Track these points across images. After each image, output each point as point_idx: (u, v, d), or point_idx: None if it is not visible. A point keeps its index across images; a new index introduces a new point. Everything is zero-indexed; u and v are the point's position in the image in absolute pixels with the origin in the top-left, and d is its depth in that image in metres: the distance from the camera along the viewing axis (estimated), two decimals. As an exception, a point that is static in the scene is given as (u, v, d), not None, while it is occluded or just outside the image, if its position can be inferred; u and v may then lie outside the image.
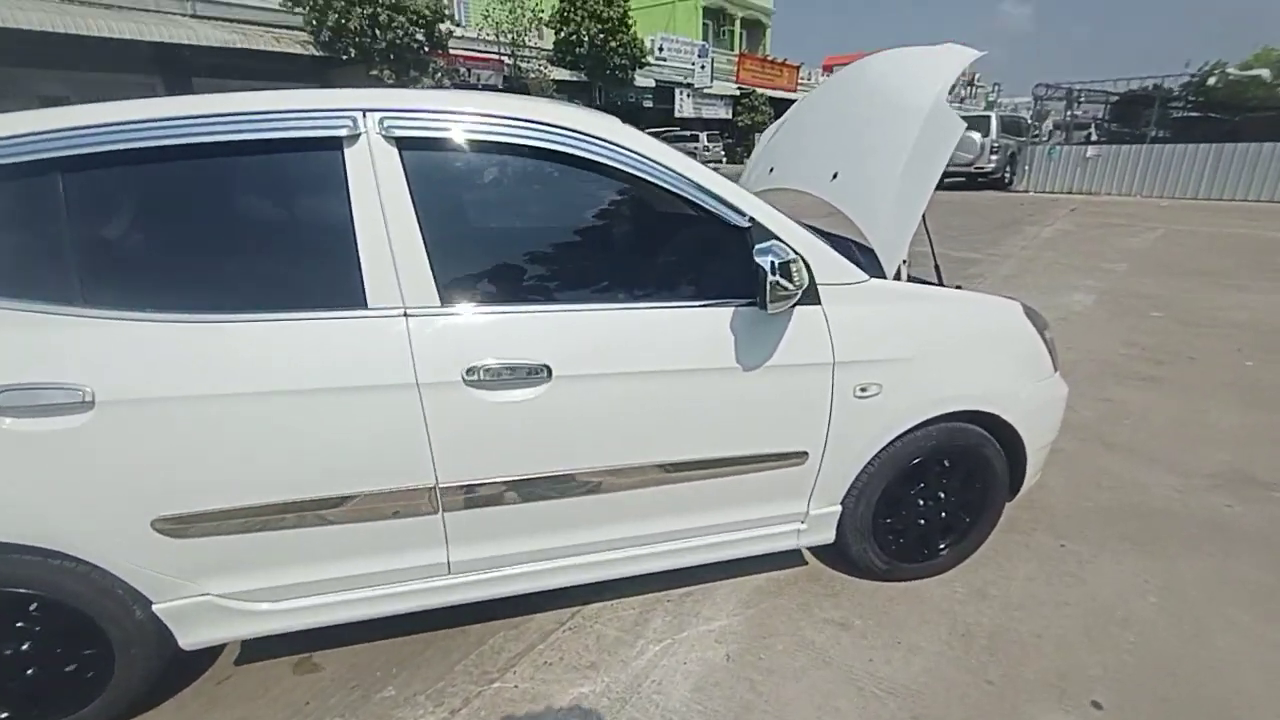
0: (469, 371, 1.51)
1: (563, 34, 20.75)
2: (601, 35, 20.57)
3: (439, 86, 16.14)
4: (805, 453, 1.84)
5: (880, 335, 1.81)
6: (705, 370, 1.67)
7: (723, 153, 27.71)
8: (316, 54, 15.03)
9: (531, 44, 19.51)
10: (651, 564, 1.88)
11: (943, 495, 2.07)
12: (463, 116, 1.53)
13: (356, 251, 1.47)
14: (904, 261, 1.89)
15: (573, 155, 1.58)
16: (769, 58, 32.70)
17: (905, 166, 1.90)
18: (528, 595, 1.83)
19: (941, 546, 2.15)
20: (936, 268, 2.53)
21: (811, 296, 1.72)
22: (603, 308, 1.63)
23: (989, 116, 16.11)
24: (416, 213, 1.50)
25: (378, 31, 14.53)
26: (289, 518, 1.54)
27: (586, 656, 1.87)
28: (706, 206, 1.66)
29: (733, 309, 1.67)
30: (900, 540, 2.09)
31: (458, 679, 1.80)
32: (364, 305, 1.48)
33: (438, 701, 1.73)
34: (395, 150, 1.49)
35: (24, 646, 1.52)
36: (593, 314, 1.62)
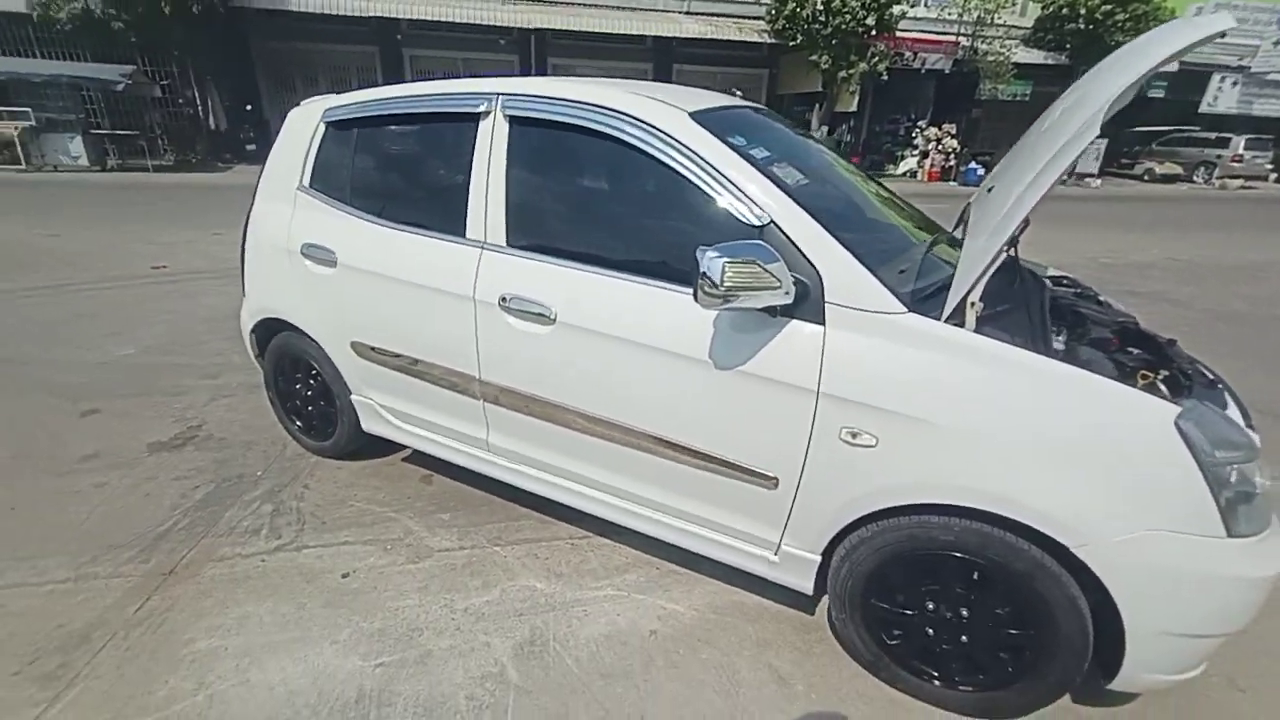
0: (503, 298, 1.96)
1: (1051, 8, 17.51)
2: (1106, 6, 16.59)
3: (873, 72, 15.85)
4: (775, 478, 1.69)
5: (890, 380, 1.50)
6: (681, 356, 1.71)
7: (1270, 166, 19.58)
8: (769, 40, 16.53)
9: (1004, 23, 17.09)
10: (629, 520, 2.04)
11: (965, 614, 1.58)
12: (549, 100, 1.91)
13: (467, 197, 2.05)
14: (972, 304, 1.47)
15: (617, 139, 1.80)
16: None
17: (1027, 186, 1.47)
18: (568, 506, 2.17)
19: (960, 681, 1.65)
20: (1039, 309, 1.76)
21: (813, 314, 1.56)
22: (611, 275, 1.82)
23: None
24: (507, 174, 1.99)
25: (828, 17, 15.03)
26: (407, 366, 2.30)
27: (561, 569, 2.19)
28: (723, 200, 1.66)
29: None
30: (898, 637, 1.70)
31: (480, 531, 2.36)
32: (463, 235, 2.07)
33: (460, 537, 2.33)
34: (507, 126, 1.99)
35: (298, 387, 2.72)
36: (601, 279, 1.83)
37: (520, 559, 2.23)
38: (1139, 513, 1.34)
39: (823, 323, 1.56)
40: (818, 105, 17.66)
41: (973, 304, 1.47)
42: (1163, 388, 1.65)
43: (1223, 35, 1.34)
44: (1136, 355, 1.78)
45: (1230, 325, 5.42)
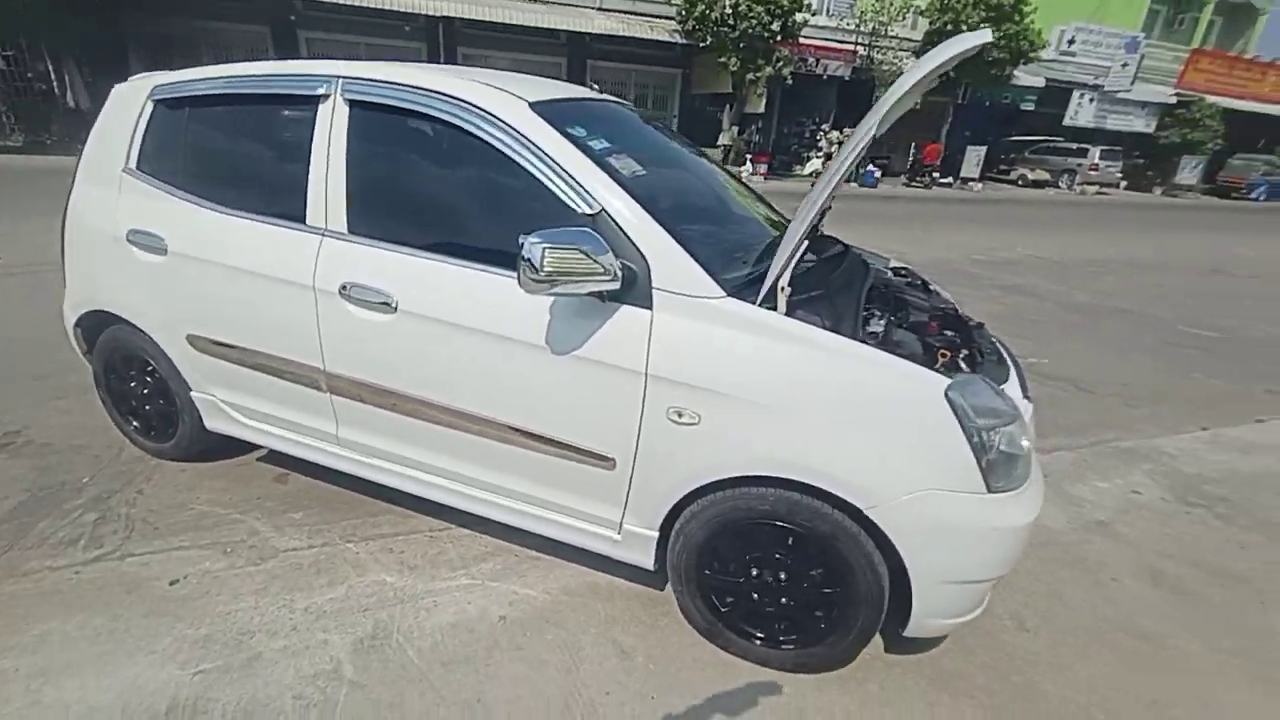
0: (343, 287, 1.90)
1: (937, 23, 18.83)
2: (983, 24, 18.03)
3: (778, 76, 16.49)
4: (613, 459, 1.74)
5: (709, 361, 1.58)
6: (520, 342, 1.73)
7: (1119, 175, 21.97)
8: (682, 41, 16.81)
9: (896, 34, 18.23)
10: (479, 508, 2.03)
11: (784, 578, 1.70)
12: (389, 85, 1.87)
13: (307, 181, 1.97)
14: (782, 289, 1.58)
15: (457, 126, 1.78)
16: (1245, 55, 24.13)
17: (825, 183, 1.59)
18: (421, 497, 2.12)
19: (782, 640, 1.77)
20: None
21: (641, 299, 1.62)
22: (449, 261, 1.80)
23: None
24: (347, 159, 1.92)
25: (736, 21, 15.46)
26: (249, 359, 2.17)
27: (416, 560, 2.15)
28: (557, 189, 1.69)
29: None
30: (729, 604, 1.80)
31: (333, 529, 2.28)
32: (303, 222, 1.98)
33: (310, 536, 2.24)
34: (347, 110, 1.93)
35: (133, 385, 2.52)
36: (442, 265, 1.81)
37: (374, 554, 2.17)
38: (917, 474, 1.49)
39: (651, 308, 1.62)
40: (728, 106, 18.14)
41: (782, 289, 1.58)
42: (964, 365, 1.84)
43: (980, 49, 1.52)
44: (945, 337, 1.98)
45: (1075, 314, 6.06)
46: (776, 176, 18.69)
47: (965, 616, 1.65)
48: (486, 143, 1.75)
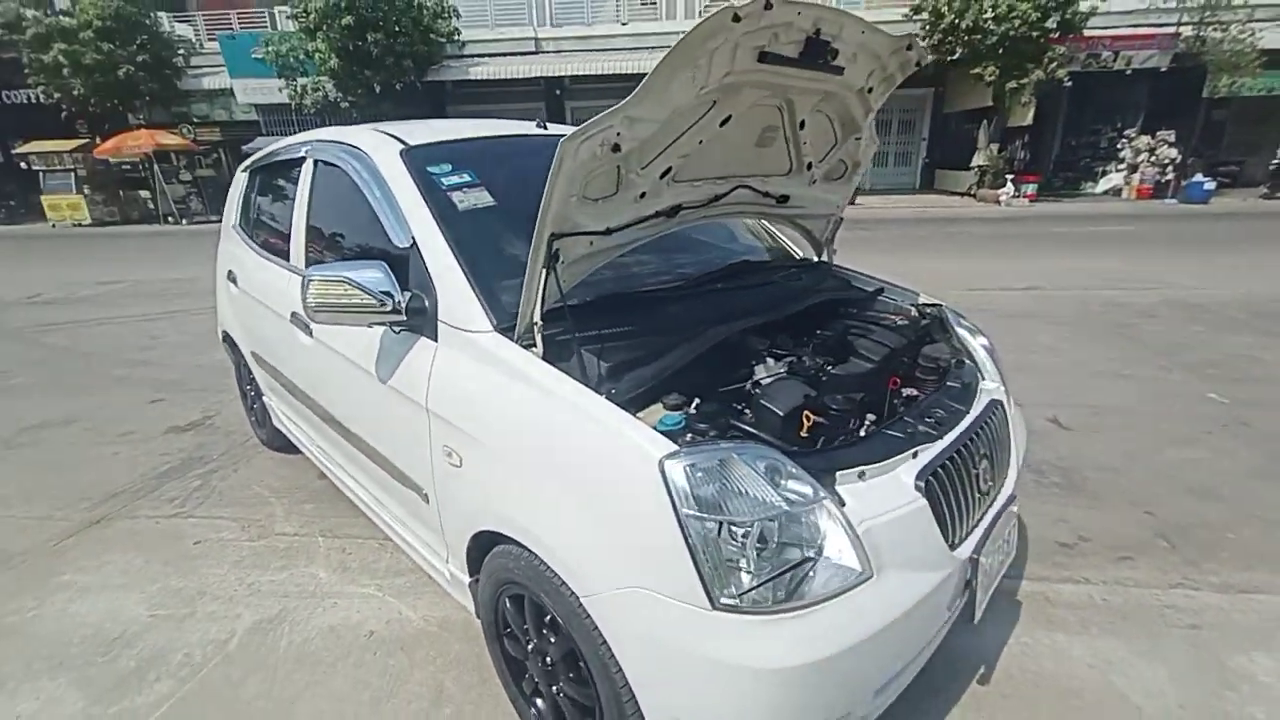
0: (292, 315, 2.25)
1: (1324, -24, 13.74)
2: None
3: (1051, 79, 13.83)
4: (426, 492, 1.71)
5: (465, 398, 1.48)
6: (363, 369, 1.83)
7: None
8: (928, 58, 15.30)
9: (1243, 3, 13.82)
10: (382, 525, 2.16)
11: (550, 662, 1.44)
12: (326, 142, 2.22)
13: (291, 226, 2.40)
14: (536, 324, 1.39)
15: (348, 171, 2.01)
16: None
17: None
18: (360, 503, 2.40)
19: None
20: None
21: (431, 331, 1.61)
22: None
23: None
24: (308, 208, 2.30)
25: (992, 25, 13.51)
26: (272, 373, 2.69)
27: (353, 563, 2.37)
28: (388, 224, 1.77)
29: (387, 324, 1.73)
30: (527, 679, 1.59)
31: (322, 522, 2.65)
32: (289, 260, 2.41)
33: (302, 525, 2.64)
34: (313, 166, 2.31)
35: (248, 387, 3.28)
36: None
37: (329, 550, 2.46)
38: (628, 563, 1.16)
39: (436, 339, 1.59)
40: (986, 121, 15.82)
41: (535, 324, 1.39)
42: (872, 425, 1.42)
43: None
44: (850, 398, 1.50)
45: None
46: (1052, 197, 15.61)
47: None
48: (356, 184, 1.93)
